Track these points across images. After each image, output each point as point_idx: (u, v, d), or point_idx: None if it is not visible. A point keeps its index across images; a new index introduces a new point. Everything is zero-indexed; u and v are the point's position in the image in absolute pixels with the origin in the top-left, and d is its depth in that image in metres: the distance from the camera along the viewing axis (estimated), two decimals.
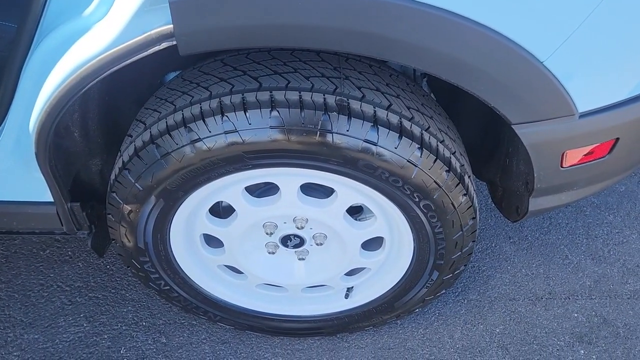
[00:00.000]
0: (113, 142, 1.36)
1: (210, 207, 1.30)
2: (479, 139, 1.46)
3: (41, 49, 1.09)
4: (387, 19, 0.91)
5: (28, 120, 1.15)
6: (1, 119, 1.21)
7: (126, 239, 1.32)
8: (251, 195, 1.29)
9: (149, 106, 1.22)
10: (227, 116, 1.08)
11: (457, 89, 1.06)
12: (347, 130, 1.08)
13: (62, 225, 1.38)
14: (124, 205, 1.23)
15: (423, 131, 1.14)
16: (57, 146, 1.21)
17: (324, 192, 1.30)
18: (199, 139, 1.10)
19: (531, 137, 1.09)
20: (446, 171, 1.16)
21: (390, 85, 1.18)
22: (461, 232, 1.27)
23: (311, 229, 1.34)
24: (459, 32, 0.93)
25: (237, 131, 1.09)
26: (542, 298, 1.73)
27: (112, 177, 1.23)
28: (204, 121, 1.09)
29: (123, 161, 1.19)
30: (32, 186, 1.30)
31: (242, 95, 1.09)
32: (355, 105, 1.09)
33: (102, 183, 1.44)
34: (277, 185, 1.24)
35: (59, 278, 1.77)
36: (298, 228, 1.33)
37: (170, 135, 1.12)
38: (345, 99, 1.09)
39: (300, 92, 1.08)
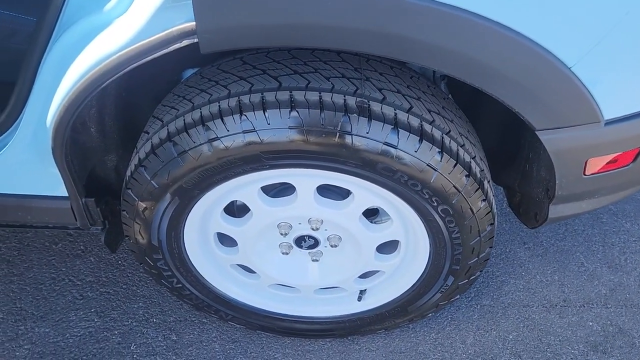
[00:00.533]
0: (129, 138, 1.36)
1: (225, 206, 1.29)
2: (498, 143, 1.44)
3: (60, 44, 1.08)
4: (412, 20, 0.89)
5: (45, 114, 1.15)
6: (18, 112, 1.21)
7: (140, 236, 1.31)
8: (266, 194, 1.28)
9: (167, 103, 1.21)
10: (245, 115, 1.07)
11: (476, 91, 1.04)
12: (367, 133, 1.07)
13: (76, 221, 1.37)
14: (139, 202, 1.23)
15: (444, 135, 1.12)
16: (73, 141, 1.20)
17: (340, 193, 1.28)
18: (217, 138, 1.09)
19: (555, 143, 1.06)
20: (466, 176, 1.15)
21: (411, 87, 1.16)
22: (479, 237, 1.25)
23: (326, 230, 1.33)
24: (485, 35, 0.91)
25: (256, 131, 1.07)
26: (556, 305, 1.71)
27: (128, 173, 1.23)
28: (222, 120, 1.08)
29: (139, 158, 1.18)
30: (47, 180, 1.30)
31: (262, 94, 1.07)
32: (375, 107, 1.08)
33: (117, 179, 1.43)
34: (292, 186, 1.23)
35: (71, 272, 1.77)
36: (313, 229, 1.31)
37: (187, 133, 1.11)
38: (366, 101, 1.07)
39: (320, 93, 1.07)
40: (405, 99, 1.12)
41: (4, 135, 1.26)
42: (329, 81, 1.09)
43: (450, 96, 1.35)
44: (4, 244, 1.84)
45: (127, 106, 1.31)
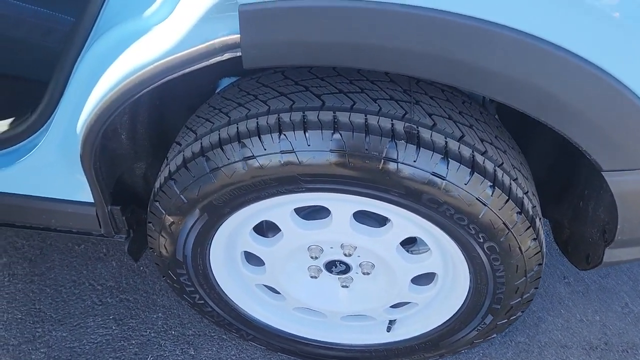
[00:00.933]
0: (160, 146, 1.31)
1: (255, 224, 1.23)
2: (547, 174, 1.34)
3: (96, 48, 1.03)
4: (482, 48, 0.81)
5: (76, 120, 1.10)
6: (49, 114, 1.17)
7: (165, 250, 1.25)
8: (298, 213, 1.21)
9: (201, 114, 1.16)
10: (285, 135, 1.00)
11: (524, 116, 0.94)
12: (414, 161, 0.99)
13: (101, 228, 1.33)
14: (167, 216, 1.17)
15: (496, 167, 1.04)
16: (102, 148, 1.15)
17: (377, 219, 1.20)
18: (253, 156, 1.03)
19: (622, 186, 0.97)
20: (517, 213, 1.06)
21: (463, 113, 1.08)
22: (525, 278, 1.16)
23: (359, 256, 1.26)
24: (560, 66, 0.83)
25: (295, 152, 1.01)
26: (597, 348, 1.60)
27: (157, 185, 1.17)
28: (259, 138, 1.02)
29: (170, 171, 1.13)
30: (73, 185, 1.26)
31: (303, 113, 1.01)
32: (425, 134, 1.00)
33: (145, 187, 1.38)
34: (327, 208, 1.16)
35: (92, 276, 1.73)
36: (345, 255, 1.24)
37: (222, 149, 1.05)
38: (415, 127, 1.00)
39: (366, 115, 1.00)
40: (457, 126, 1.04)
41: (33, 136, 1.23)
42: (375, 103, 1.02)
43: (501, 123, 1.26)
44: (27, 241, 1.81)
45: (160, 114, 1.26)
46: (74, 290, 1.70)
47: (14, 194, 1.32)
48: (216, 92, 1.26)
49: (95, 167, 1.15)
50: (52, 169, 1.24)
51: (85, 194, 1.26)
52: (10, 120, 1.29)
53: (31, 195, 1.31)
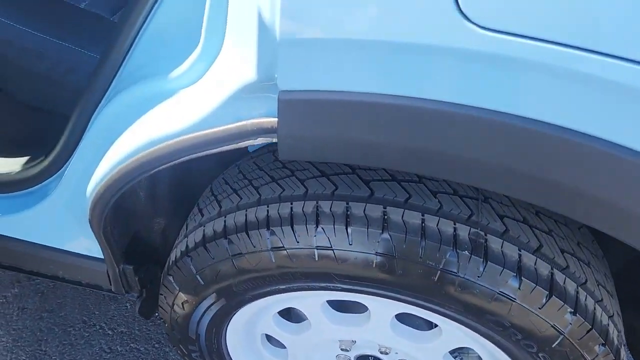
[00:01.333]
0: (182, 203, 1.16)
1: (279, 310, 1.06)
2: (625, 270, 1.13)
3: (115, 104, 0.89)
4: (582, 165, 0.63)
5: (87, 179, 0.97)
6: (64, 161, 1.04)
7: (176, 324, 1.11)
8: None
9: (229, 181, 1.00)
10: (322, 228, 0.84)
11: None
12: (479, 277, 0.80)
13: (111, 285, 1.20)
14: (180, 293, 1.02)
15: (578, 287, 0.84)
16: (116, 208, 1.01)
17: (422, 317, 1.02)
18: (283, 248, 0.86)
19: None
20: (601, 344, 0.86)
21: (540, 214, 0.89)
22: None
23: (396, 354, 1.08)
24: None
25: (332, 249, 0.84)
26: None
27: (172, 258, 1.02)
28: (292, 228, 0.85)
29: (187, 246, 0.98)
30: (84, 241, 1.13)
31: (347, 204, 0.84)
32: (494, 243, 0.81)
33: (163, 243, 1.24)
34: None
35: (104, 318, 1.61)
36: (381, 352, 1.07)
37: (248, 234, 0.89)
38: (483, 234, 0.81)
39: (423, 215, 0.82)
40: (533, 232, 0.85)
41: (46, 182, 1.11)
42: (435, 198, 0.84)
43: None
44: None
45: (184, 171, 1.11)
46: (83, 332, 1.58)
47: (21, 240, 1.20)
48: (249, 150, 1.10)
49: (105, 231, 1.02)
50: (62, 222, 1.12)
51: (95, 250, 1.13)
52: (24, 160, 1.17)
53: (39, 244, 1.19)
